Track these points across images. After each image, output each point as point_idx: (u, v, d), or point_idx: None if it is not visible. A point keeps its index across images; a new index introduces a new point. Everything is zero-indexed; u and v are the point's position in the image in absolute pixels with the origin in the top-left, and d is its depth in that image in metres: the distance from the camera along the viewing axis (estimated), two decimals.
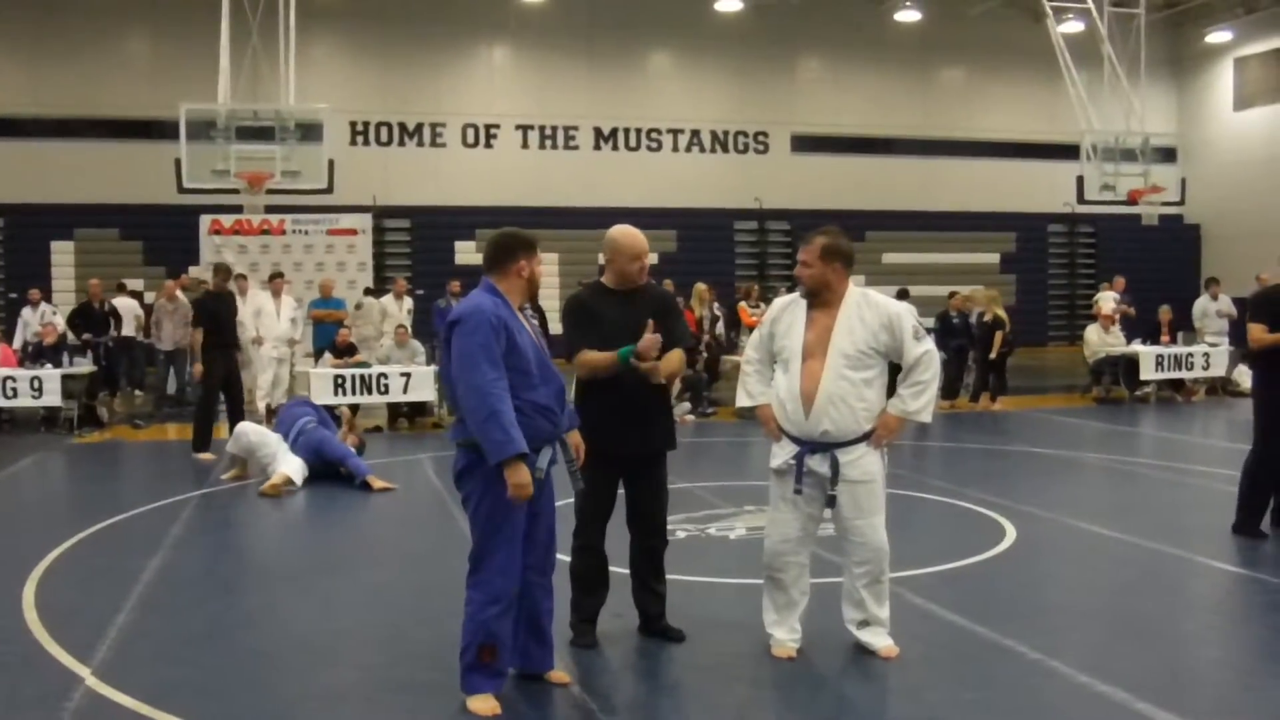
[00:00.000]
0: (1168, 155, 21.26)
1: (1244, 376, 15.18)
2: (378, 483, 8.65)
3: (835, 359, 4.48)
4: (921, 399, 4.53)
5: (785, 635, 4.66)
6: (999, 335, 14.98)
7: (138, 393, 15.60)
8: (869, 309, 4.54)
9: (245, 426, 9.42)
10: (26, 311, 14.57)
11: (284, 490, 8.55)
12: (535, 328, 4.35)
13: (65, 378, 12.57)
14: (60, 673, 4.52)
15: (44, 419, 12.92)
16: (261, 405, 12.59)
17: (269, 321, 13.05)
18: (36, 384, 12.32)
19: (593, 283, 4.96)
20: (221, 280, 11.04)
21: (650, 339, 4.49)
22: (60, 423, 12.62)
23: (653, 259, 17.40)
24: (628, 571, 4.91)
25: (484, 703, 4.04)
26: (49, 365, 12.74)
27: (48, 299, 18.03)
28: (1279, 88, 24.18)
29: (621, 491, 4.84)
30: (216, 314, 10.55)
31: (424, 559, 6.52)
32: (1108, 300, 16.57)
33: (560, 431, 4.17)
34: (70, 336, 14.46)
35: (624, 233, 4.78)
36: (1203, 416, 13.45)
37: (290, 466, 8.80)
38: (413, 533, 7.50)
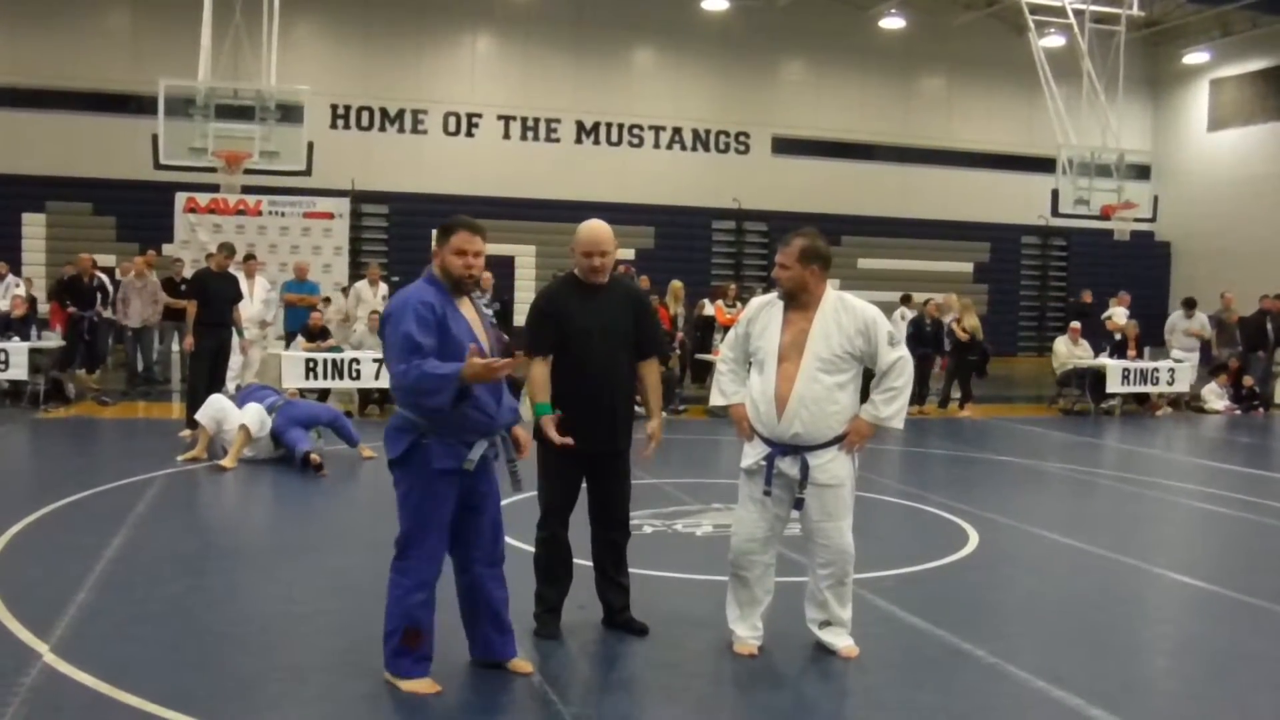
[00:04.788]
0: (1141, 173, 21.48)
1: (1212, 395, 15.42)
2: (366, 450, 9.05)
3: (810, 362, 4.51)
4: (893, 405, 4.56)
5: (747, 633, 4.70)
6: (967, 337, 15.10)
7: (99, 370, 15.42)
8: (845, 313, 4.57)
9: (219, 398, 9.41)
10: None
11: (241, 455, 8.66)
12: (486, 318, 4.32)
13: (33, 351, 12.44)
14: (17, 649, 4.49)
15: (9, 393, 12.78)
16: (231, 386, 12.49)
17: (242, 303, 12.95)
18: (3, 357, 12.19)
19: (565, 275, 4.96)
20: (224, 259, 10.98)
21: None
22: (26, 397, 12.49)
23: (629, 255, 17.41)
24: (591, 564, 4.94)
25: (420, 684, 4.10)
26: (16, 338, 12.59)
27: (16, 271, 17.81)
28: (1253, 111, 24.48)
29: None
30: (209, 291, 10.46)
31: (389, 545, 6.48)
32: (1121, 315, 16.69)
33: (497, 426, 4.14)
34: (43, 310, 14.30)
35: (585, 226, 4.77)
36: (1166, 431, 13.63)
37: (247, 416, 8.85)
38: (378, 518, 7.41)
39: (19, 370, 12.24)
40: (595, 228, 4.75)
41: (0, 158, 19.75)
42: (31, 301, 14.47)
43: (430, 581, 4.13)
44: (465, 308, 4.15)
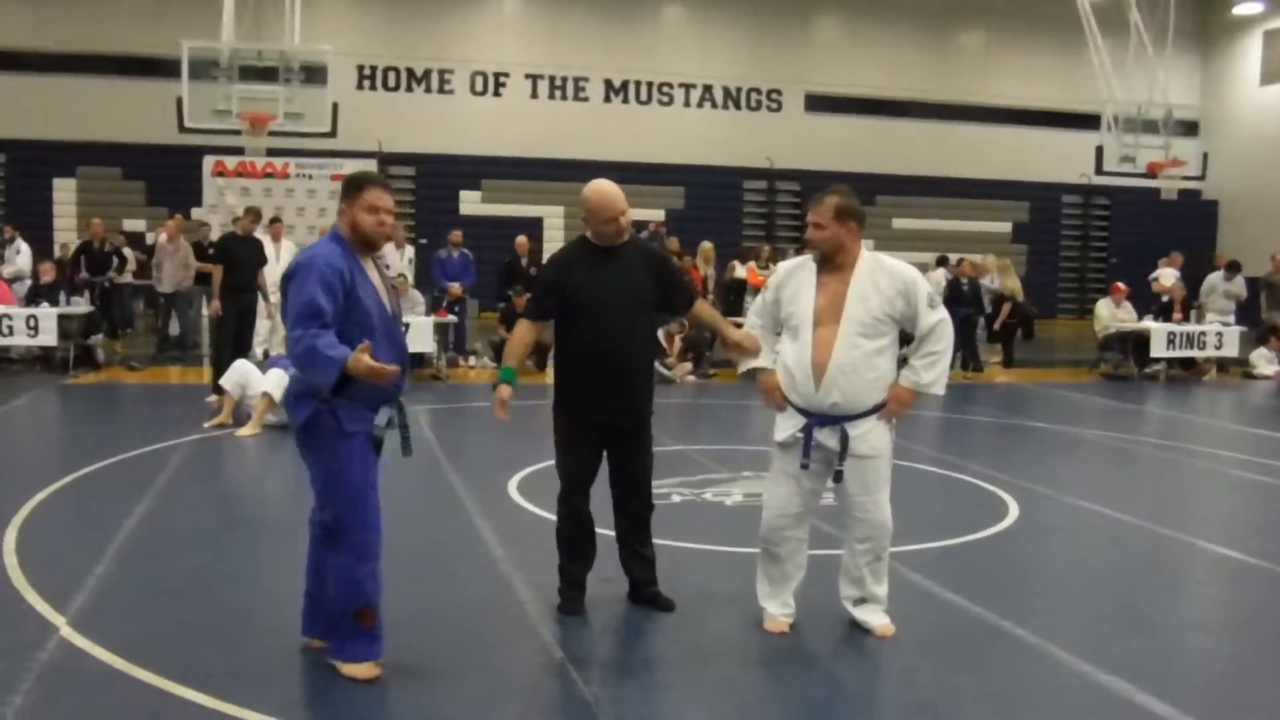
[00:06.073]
0: (1189, 129, 20.88)
1: (1261, 359, 15.00)
2: None
3: (848, 326, 4.29)
4: (934, 370, 4.34)
5: (778, 610, 4.53)
6: (1007, 305, 14.83)
7: (123, 336, 15.46)
8: (883, 274, 4.34)
9: (244, 363, 9.35)
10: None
11: (264, 421, 8.60)
12: (388, 280, 4.10)
13: (62, 317, 12.44)
14: (36, 622, 4.42)
15: (40, 359, 12.80)
16: (259, 351, 12.45)
17: (268, 266, 12.87)
18: (32, 323, 12.19)
19: (578, 238, 4.73)
20: (250, 223, 10.90)
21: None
22: (56, 363, 12.50)
23: (659, 216, 17.11)
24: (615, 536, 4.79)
25: (364, 669, 3.89)
26: (45, 304, 12.59)
27: (49, 237, 17.89)
28: None
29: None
30: (234, 255, 10.38)
31: (411, 516, 6.37)
32: (1168, 276, 16.22)
33: (399, 392, 3.95)
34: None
35: (596, 191, 4.52)
36: (1213, 397, 13.28)
37: (269, 383, 8.72)
38: (403, 488, 7.34)
39: (49, 336, 12.24)
40: (605, 190, 4.50)
41: (30, 123, 19.76)
42: (60, 267, 14.46)
43: (374, 551, 3.88)
44: (370, 270, 3.94)
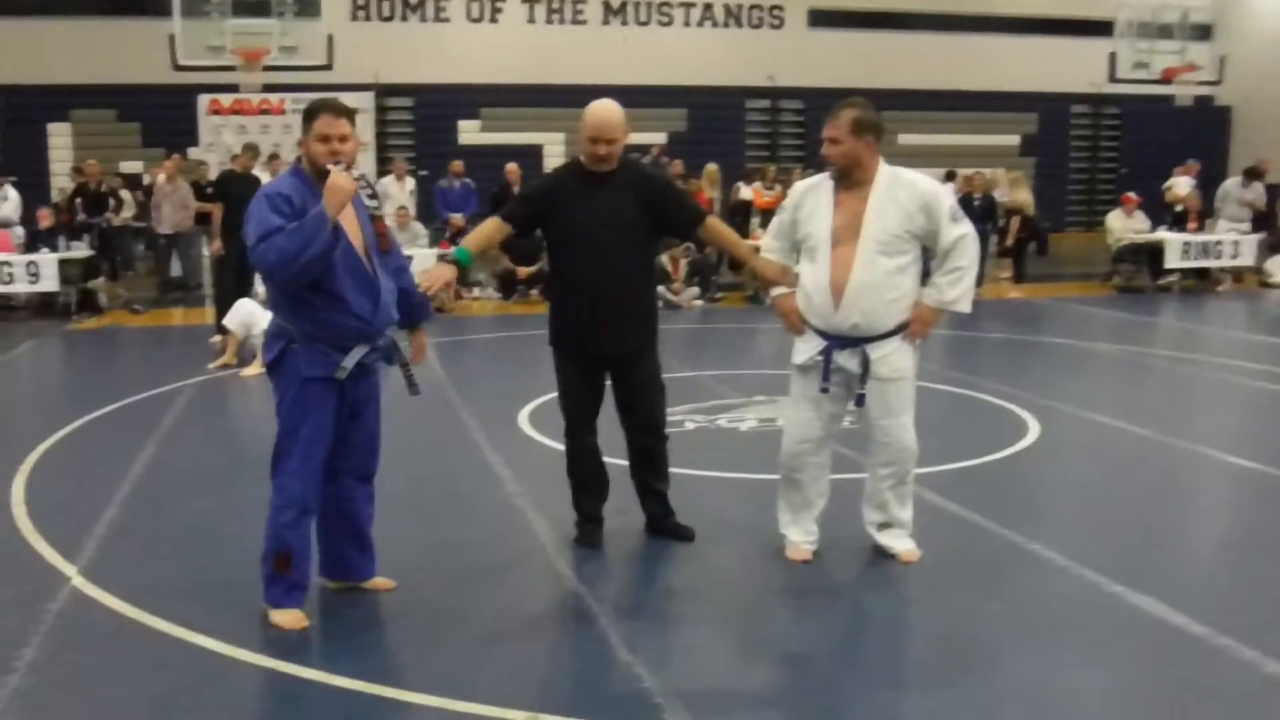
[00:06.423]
0: (1204, 33, 20.31)
1: (1277, 268, 14.74)
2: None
3: (868, 244, 4.11)
4: (959, 287, 4.17)
5: (800, 537, 4.44)
6: (1016, 220, 14.59)
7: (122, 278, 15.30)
8: (903, 189, 4.15)
9: (247, 302, 9.21)
10: None
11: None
12: (362, 209, 3.81)
13: (62, 262, 12.28)
14: (46, 571, 4.36)
15: (41, 305, 12.67)
16: (262, 289, 12.30)
17: None
18: (33, 269, 12.04)
19: (569, 162, 4.54)
20: (248, 160, 10.71)
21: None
22: (58, 309, 12.38)
23: (661, 139, 16.76)
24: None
25: (287, 616, 3.80)
26: (45, 250, 12.42)
27: (45, 183, 17.65)
28: None
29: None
30: (233, 193, 10.18)
31: (422, 452, 6.30)
32: (1183, 185, 15.84)
33: (374, 328, 3.76)
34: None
35: (593, 108, 4.31)
36: (1229, 308, 13.07)
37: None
38: (411, 423, 7.23)
39: (49, 282, 12.10)
40: (604, 109, 4.29)
41: (22, 68, 19.38)
42: (58, 211, 14.25)
43: (298, 501, 3.75)
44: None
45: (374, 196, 3.87)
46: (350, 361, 3.72)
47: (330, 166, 3.60)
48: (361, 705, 3.29)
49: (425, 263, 11.87)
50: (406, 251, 4.39)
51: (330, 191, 3.57)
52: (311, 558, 3.90)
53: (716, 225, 4.56)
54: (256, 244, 3.56)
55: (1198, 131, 23.60)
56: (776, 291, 4.40)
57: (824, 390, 4.26)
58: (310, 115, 3.73)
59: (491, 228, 4.43)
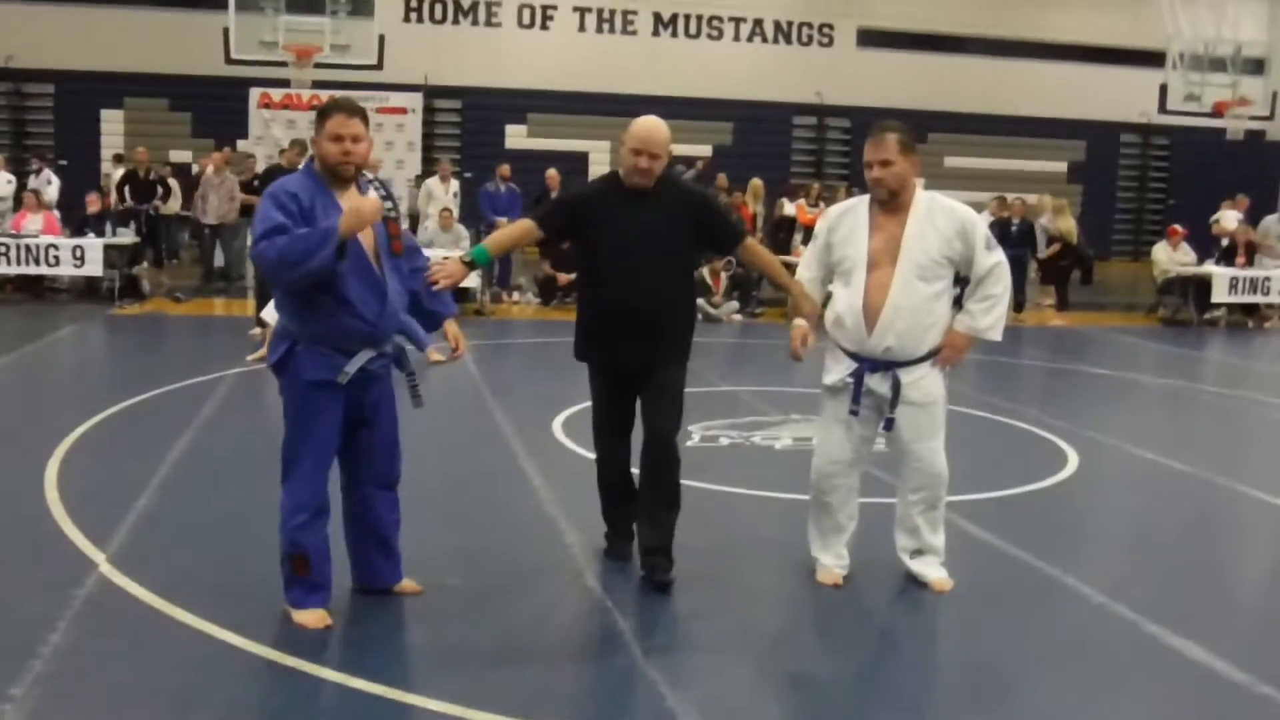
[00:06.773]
0: (1257, 67, 20.03)
1: None
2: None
3: (906, 268, 4.07)
4: (992, 315, 4.14)
5: (831, 560, 4.38)
6: (1055, 245, 14.41)
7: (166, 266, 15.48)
8: (941, 213, 4.12)
9: None
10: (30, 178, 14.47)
11: None
12: (379, 215, 3.67)
13: (108, 247, 12.43)
14: (75, 557, 4.37)
15: (85, 289, 12.84)
16: None
17: None
18: (79, 253, 12.20)
19: (608, 175, 4.46)
20: (295, 155, 10.79)
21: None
22: (101, 293, 12.53)
23: (706, 152, 16.74)
24: None
25: (310, 615, 3.78)
26: (91, 234, 12.58)
27: (96, 169, 17.91)
28: None
29: None
30: None
31: (456, 451, 6.30)
32: (1231, 219, 15.61)
33: (381, 332, 3.72)
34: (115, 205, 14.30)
35: (640, 121, 4.23)
36: (1276, 345, 12.84)
37: None
38: (446, 422, 7.26)
39: (94, 266, 12.26)
40: (650, 124, 4.22)
41: (79, 54, 19.72)
42: (105, 195, 14.45)
43: (307, 504, 3.73)
44: (348, 201, 3.65)
45: (389, 198, 3.83)
46: (353, 366, 3.69)
47: (368, 182, 3.48)
48: (380, 709, 3.26)
49: None
50: (450, 252, 4.36)
51: (350, 212, 3.52)
52: (331, 556, 3.88)
53: (755, 247, 4.47)
54: (257, 241, 3.55)
55: (1248, 166, 23.26)
56: (798, 321, 4.35)
57: (853, 413, 4.21)
58: (323, 114, 3.70)
59: (520, 230, 4.40)
